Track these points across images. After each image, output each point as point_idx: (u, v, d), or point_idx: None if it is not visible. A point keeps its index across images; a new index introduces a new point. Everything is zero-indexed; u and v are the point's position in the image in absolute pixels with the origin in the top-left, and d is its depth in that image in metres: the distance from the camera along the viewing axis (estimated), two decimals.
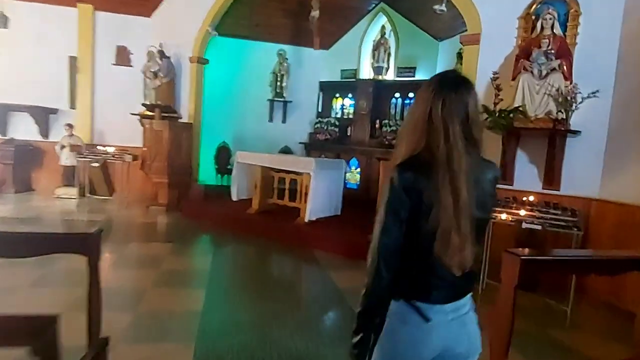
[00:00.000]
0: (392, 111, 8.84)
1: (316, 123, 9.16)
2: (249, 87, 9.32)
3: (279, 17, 8.74)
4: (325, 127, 8.92)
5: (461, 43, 5.38)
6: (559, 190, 4.82)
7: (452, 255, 1.15)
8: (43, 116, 8.33)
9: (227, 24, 8.45)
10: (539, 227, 3.63)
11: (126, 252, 4.96)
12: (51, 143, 8.21)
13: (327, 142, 8.92)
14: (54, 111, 8.45)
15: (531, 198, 4.31)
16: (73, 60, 8.45)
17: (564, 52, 4.47)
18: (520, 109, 4.39)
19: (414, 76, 8.58)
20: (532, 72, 4.46)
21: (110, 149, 7.38)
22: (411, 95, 8.57)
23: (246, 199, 7.15)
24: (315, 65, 9.60)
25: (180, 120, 7.94)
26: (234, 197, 7.11)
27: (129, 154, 7.34)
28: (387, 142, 8.11)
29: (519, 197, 5.02)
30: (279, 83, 9.37)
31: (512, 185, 5.09)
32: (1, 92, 8.05)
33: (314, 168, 5.95)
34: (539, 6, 4.82)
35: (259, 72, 9.33)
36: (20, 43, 8.26)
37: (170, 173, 7.34)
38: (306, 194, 6.23)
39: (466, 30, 7.58)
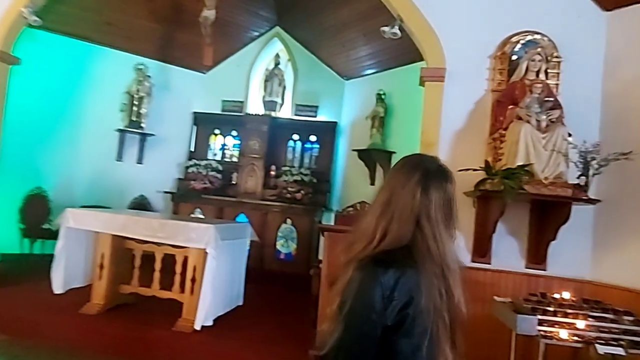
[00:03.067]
0: (290, 156, 7.21)
1: (190, 166, 6.81)
2: (88, 108, 6.48)
3: (143, 18, 6.37)
4: (204, 172, 6.67)
5: (422, 78, 4.18)
6: (545, 270, 3.85)
7: None
8: None
9: (60, 15, 5.68)
10: (622, 353, 2.39)
11: None
12: None
13: (206, 192, 6.65)
14: None
15: (566, 295, 3.14)
16: None
17: (557, 103, 3.63)
18: (527, 168, 3.29)
19: (315, 116, 7.19)
20: (530, 123, 3.45)
21: None
22: (313, 138, 7.14)
23: (81, 288, 4.34)
24: (188, 90, 7.38)
25: None
26: (58, 288, 4.20)
27: None
28: (289, 196, 6.36)
29: (499, 278, 3.93)
30: (135, 108, 6.78)
31: (489, 263, 3.94)
32: None
33: (215, 241, 3.75)
34: (514, 46, 3.98)
35: (106, 90, 6.62)
36: None
37: None
38: (193, 279, 3.94)
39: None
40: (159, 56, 7.01)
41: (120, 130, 6.73)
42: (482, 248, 3.86)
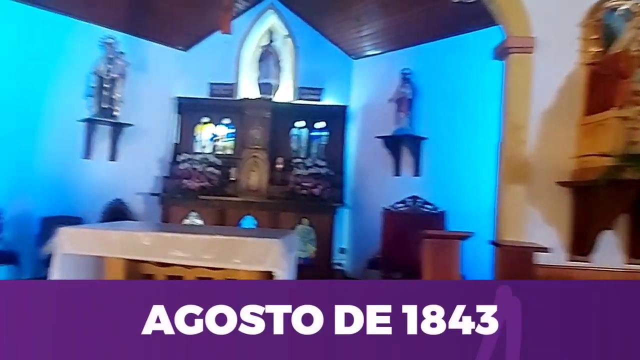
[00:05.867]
0: (294, 146, 6.30)
1: (182, 161, 5.66)
2: (44, 94, 5.07)
3: None
4: (199, 169, 5.57)
5: (507, 49, 3.56)
6: None
7: None
8: None
9: None
10: None
11: None
12: None
13: (203, 192, 5.57)
14: None
15: None
16: None
17: None
18: None
19: (320, 100, 6.34)
20: None
21: None
22: (319, 125, 6.29)
23: None
24: (167, 71, 6.15)
25: None
26: None
27: None
28: (305, 192, 5.51)
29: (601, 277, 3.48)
30: (106, 93, 5.46)
31: (590, 261, 3.47)
32: None
33: (284, 260, 2.87)
34: (607, 12, 3.49)
35: (67, 70, 5.23)
36: None
37: None
38: None
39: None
40: (130, 28, 5.70)
41: (87, 121, 5.38)
42: (585, 245, 3.38)
